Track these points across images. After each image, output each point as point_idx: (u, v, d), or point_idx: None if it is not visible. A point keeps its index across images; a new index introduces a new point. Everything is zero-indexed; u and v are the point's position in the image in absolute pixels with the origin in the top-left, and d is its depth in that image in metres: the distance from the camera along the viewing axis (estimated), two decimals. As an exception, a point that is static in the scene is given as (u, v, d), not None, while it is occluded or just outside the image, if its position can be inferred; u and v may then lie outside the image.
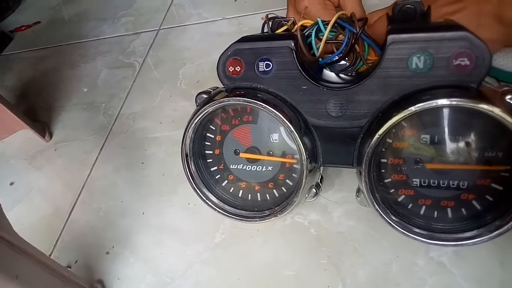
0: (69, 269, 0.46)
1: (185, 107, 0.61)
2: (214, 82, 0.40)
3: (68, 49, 0.85)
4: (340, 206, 0.44)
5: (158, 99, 0.64)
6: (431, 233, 0.33)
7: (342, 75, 0.38)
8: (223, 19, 0.75)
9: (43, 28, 0.96)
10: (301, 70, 0.34)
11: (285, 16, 0.51)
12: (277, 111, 0.34)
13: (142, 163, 0.55)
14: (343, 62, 0.39)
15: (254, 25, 0.70)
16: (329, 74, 0.38)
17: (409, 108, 0.30)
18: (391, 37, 0.30)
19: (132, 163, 0.56)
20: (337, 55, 0.37)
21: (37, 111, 0.71)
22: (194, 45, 0.72)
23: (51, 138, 0.65)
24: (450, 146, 0.32)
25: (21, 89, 0.78)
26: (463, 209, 0.33)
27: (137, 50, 0.76)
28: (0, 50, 0.91)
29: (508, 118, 0.27)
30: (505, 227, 0.30)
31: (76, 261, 0.47)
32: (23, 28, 0.96)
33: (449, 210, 0.34)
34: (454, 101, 0.28)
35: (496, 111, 0.27)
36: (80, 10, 0.97)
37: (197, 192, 0.40)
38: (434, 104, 0.29)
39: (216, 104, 0.36)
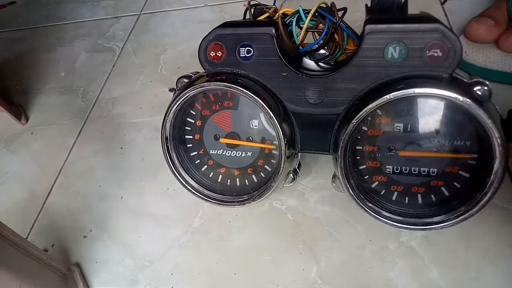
0: (46, 252, 0.45)
1: (166, 93, 0.60)
2: (195, 68, 0.40)
3: (45, 31, 0.83)
4: (316, 192, 0.45)
5: (138, 84, 0.64)
6: (402, 217, 0.35)
7: (321, 64, 0.39)
8: (205, 5, 0.75)
9: (19, 9, 0.93)
10: (281, 57, 0.34)
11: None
12: (257, 96, 0.34)
13: (121, 148, 0.55)
14: (322, 51, 0.39)
15: (237, 13, 0.70)
16: (309, 63, 0.39)
17: (384, 97, 0.31)
18: (368, 27, 0.31)
19: (111, 148, 0.56)
20: (317, 44, 0.38)
21: (12, 93, 0.69)
22: (175, 31, 0.72)
23: (27, 121, 0.64)
24: (421, 134, 0.33)
25: (-5, 71, 0.76)
26: (432, 195, 0.35)
27: (117, 35, 0.75)
28: (-27, 30, 0.87)
29: (475, 107, 0.29)
30: (470, 212, 0.32)
31: (53, 245, 0.47)
32: (-2, 8, 0.93)
33: (419, 196, 0.35)
34: (426, 90, 0.30)
35: (464, 100, 0.29)
36: (58, -9, 0.94)
37: (177, 176, 0.40)
38: (407, 93, 0.30)
39: (197, 88, 0.36)
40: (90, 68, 0.69)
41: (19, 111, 0.64)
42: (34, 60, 0.76)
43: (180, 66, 0.64)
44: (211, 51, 0.36)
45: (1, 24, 0.88)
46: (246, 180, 0.41)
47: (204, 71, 0.38)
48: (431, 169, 0.34)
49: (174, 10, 0.77)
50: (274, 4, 0.42)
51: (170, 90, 0.60)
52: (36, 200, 0.52)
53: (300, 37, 0.39)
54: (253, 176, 0.40)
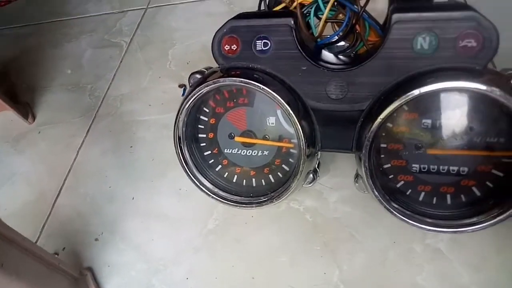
0: (56, 256, 0.44)
1: (175, 89, 0.59)
2: (205, 63, 0.38)
3: (51, 27, 0.81)
4: (335, 191, 0.43)
5: (146, 81, 0.62)
6: (431, 219, 0.33)
7: (340, 57, 0.37)
8: (213, -2, 0.72)
9: (24, 4, 0.91)
10: (301, 50, 0.32)
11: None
12: (275, 92, 0.32)
13: (131, 147, 0.54)
14: (342, 43, 0.37)
15: (247, 6, 0.67)
16: (328, 55, 0.36)
17: (412, 91, 0.29)
18: (396, 16, 0.29)
19: (120, 146, 0.54)
20: (337, 35, 0.36)
21: (18, 91, 0.68)
22: (183, 25, 0.70)
23: (34, 120, 0.62)
24: (452, 131, 0.31)
25: (0, 68, 0.74)
26: (462, 196, 0.33)
27: (123, 30, 0.73)
28: (-22, 27, 0.86)
29: (514, 102, 0.26)
30: (505, 214, 0.30)
31: (64, 248, 0.46)
32: (2, 3, 0.91)
33: (448, 196, 0.33)
34: (459, 84, 0.28)
35: (501, 94, 0.26)
36: (62, -14, 0.92)
37: (190, 177, 0.38)
38: (438, 87, 0.28)
39: (211, 85, 0.34)
40: (97, 65, 0.68)
41: (26, 110, 0.63)
42: (40, 56, 0.74)
43: (189, 61, 0.62)
44: (225, 45, 0.34)
45: (6, 20, 0.86)
46: (262, 180, 0.39)
47: (217, 66, 0.36)
48: (461, 168, 0.32)
49: (182, 3, 0.74)
50: None
51: (180, 86, 0.58)
52: (45, 202, 0.51)
53: (319, 29, 0.36)
54: (270, 176, 0.38)
